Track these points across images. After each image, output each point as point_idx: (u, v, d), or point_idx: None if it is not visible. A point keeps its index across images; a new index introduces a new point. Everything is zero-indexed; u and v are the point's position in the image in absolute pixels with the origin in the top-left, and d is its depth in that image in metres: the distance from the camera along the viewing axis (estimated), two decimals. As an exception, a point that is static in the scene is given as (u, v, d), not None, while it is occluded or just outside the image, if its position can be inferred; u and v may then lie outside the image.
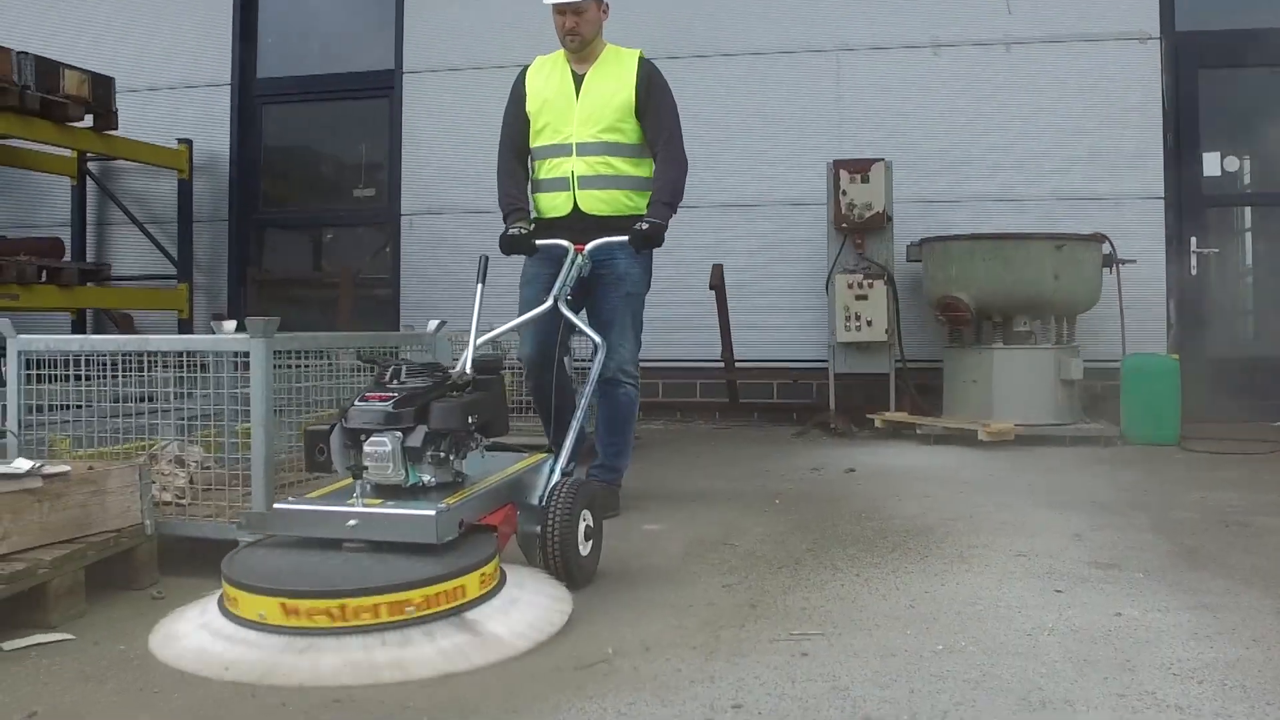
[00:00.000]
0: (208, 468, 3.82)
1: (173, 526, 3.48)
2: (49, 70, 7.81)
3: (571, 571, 3.21)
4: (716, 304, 7.71)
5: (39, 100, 7.69)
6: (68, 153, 9.00)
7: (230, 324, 4.25)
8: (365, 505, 2.89)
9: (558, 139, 4.52)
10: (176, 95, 9.58)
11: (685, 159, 4.54)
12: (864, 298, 7.50)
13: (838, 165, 7.58)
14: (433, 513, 2.80)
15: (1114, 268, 7.18)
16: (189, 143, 9.27)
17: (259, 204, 9.69)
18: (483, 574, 2.80)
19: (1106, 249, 7.17)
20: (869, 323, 7.47)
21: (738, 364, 7.97)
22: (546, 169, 4.57)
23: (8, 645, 2.75)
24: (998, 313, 7.10)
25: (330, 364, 4.37)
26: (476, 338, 3.63)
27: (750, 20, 8.44)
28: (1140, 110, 7.82)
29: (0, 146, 8.62)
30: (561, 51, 4.63)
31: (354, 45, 9.49)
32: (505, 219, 4.46)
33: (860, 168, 7.55)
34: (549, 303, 4.03)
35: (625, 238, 4.25)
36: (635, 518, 4.47)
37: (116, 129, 8.52)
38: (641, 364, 7.11)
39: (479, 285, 3.93)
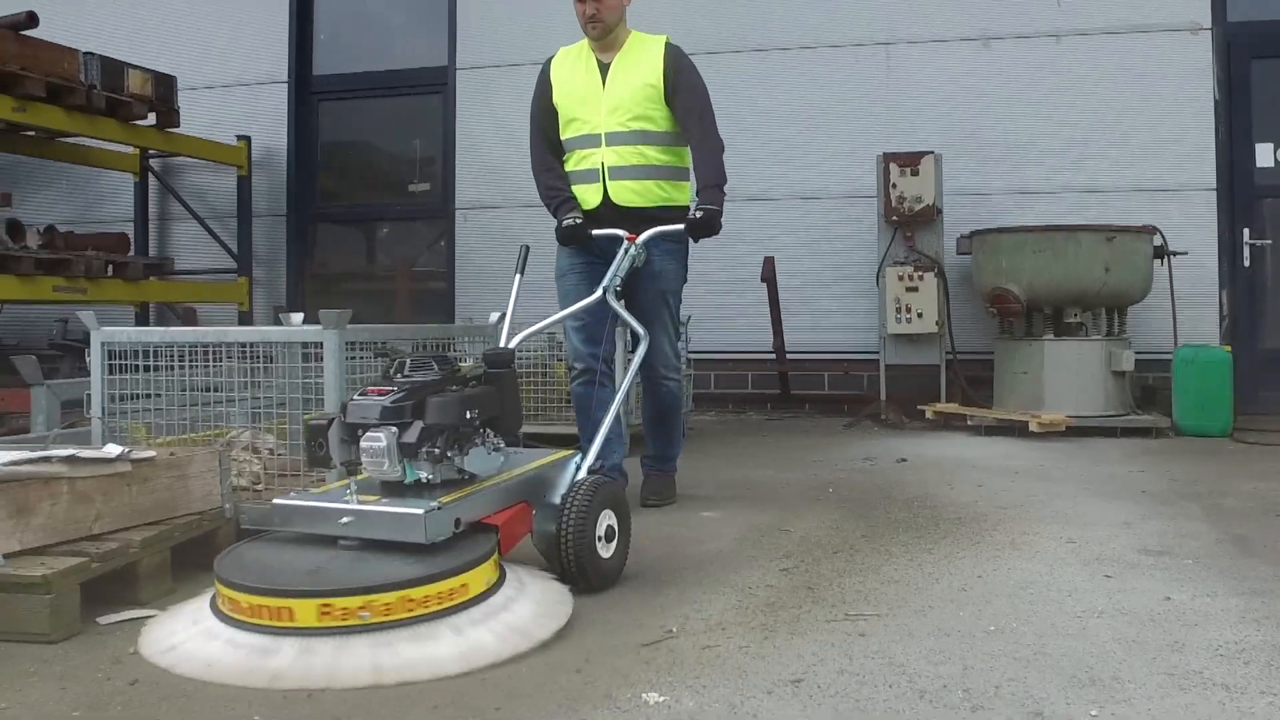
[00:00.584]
0: (280, 454, 3.97)
1: (249, 511, 3.60)
2: (114, 70, 8.03)
3: (587, 573, 3.09)
4: (768, 296, 7.80)
5: (104, 99, 7.91)
6: (131, 150, 9.24)
7: (298, 316, 4.39)
8: (360, 502, 2.83)
9: (586, 130, 4.42)
10: (236, 93, 9.79)
11: (721, 140, 4.42)
12: (914, 290, 7.56)
13: (888, 158, 7.64)
14: (420, 512, 2.72)
15: (1165, 259, 7.19)
16: (248, 139, 9.47)
17: (316, 199, 9.88)
18: (468, 579, 2.68)
19: (1157, 241, 7.19)
20: (919, 314, 7.54)
21: (789, 356, 8.05)
22: (575, 160, 4.47)
23: (103, 620, 2.90)
24: (1048, 305, 7.14)
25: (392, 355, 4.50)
26: (516, 330, 3.63)
27: (801, 14, 8.50)
28: (1192, 101, 7.81)
29: (68, 144, 8.88)
30: (585, 41, 4.52)
31: (408, 42, 9.65)
32: (555, 212, 4.42)
33: (910, 161, 7.61)
34: (598, 293, 3.96)
35: (680, 226, 4.19)
36: (692, 505, 4.57)
37: (178, 126, 8.74)
38: (694, 355, 7.30)
39: (517, 276, 3.96)
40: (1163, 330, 7.30)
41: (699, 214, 4.18)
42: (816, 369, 8.32)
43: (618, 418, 4.17)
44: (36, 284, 7.32)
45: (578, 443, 4.49)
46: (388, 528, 2.75)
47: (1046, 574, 3.34)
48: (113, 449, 3.13)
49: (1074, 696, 2.28)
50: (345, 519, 2.78)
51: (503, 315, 4.57)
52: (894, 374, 7.74)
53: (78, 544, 2.97)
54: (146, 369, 4.05)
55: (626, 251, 4.05)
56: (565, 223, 4.34)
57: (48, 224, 7.75)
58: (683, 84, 4.38)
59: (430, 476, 2.91)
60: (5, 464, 2.84)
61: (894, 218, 7.62)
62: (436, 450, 2.89)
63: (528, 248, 4.03)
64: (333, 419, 2.93)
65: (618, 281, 4.00)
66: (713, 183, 4.29)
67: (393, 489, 2.90)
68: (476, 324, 5.39)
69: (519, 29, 8.92)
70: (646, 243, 4.15)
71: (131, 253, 8.99)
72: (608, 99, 4.39)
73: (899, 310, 7.58)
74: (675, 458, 4.75)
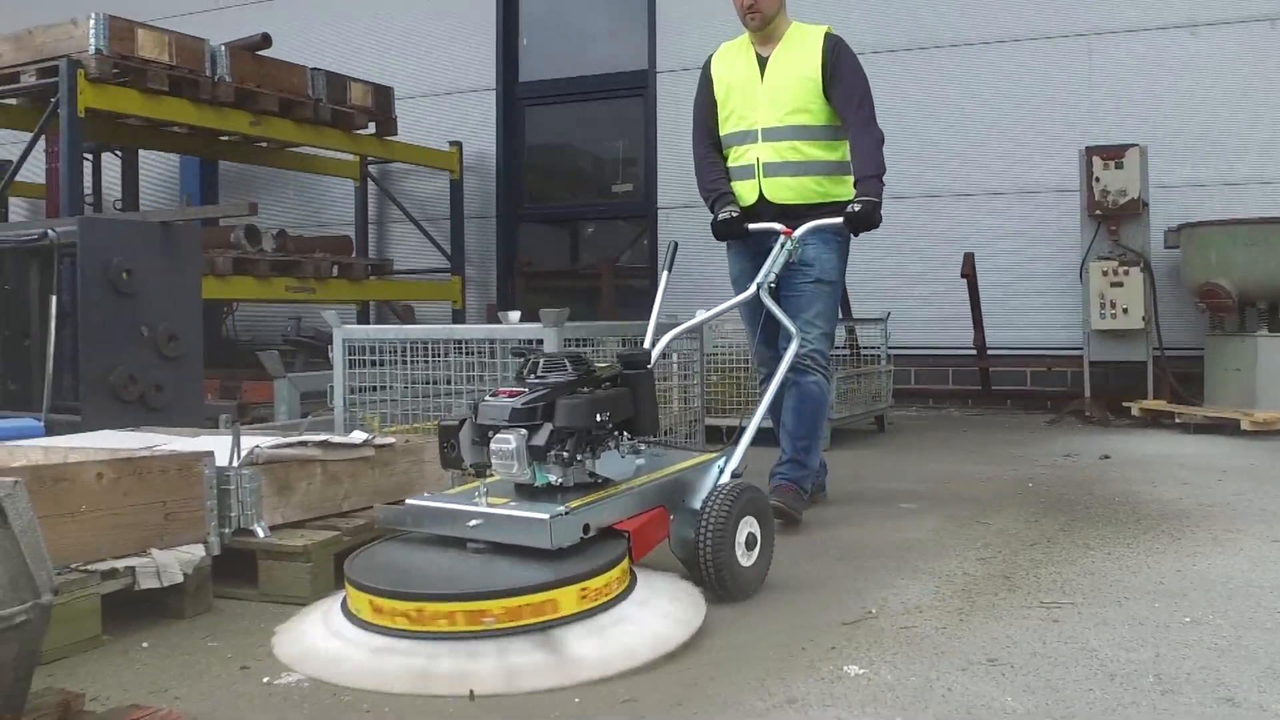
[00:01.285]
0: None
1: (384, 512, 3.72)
2: (338, 84, 8.61)
3: (726, 582, 2.98)
4: (968, 292, 7.80)
5: (330, 111, 8.50)
6: (352, 157, 9.85)
7: (515, 315, 4.69)
8: (490, 505, 2.78)
9: (743, 125, 4.29)
10: (448, 101, 10.32)
11: (881, 132, 4.18)
12: (1119, 285, 7.45)
13: (1090, 152, 7.54)
14: (546, 516, 2.65)
15: (1389, 251, 6.90)
16: (459, 145, 9.95)
17: (523, 200, 10.31)
18: (586, 587, 2.59)
19: (1380, 232, 6.90)
20: (1124, 310, 7.42)
21: (990, 352, 8.03)
22: (733, 157, 4.35)
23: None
24: (1262, 299, 6.95)
25: (595, 350, 4.76)
26: (663, 328, 3.61)
27: (1001, 8, 8.45)
28: None
29: (296, 153, 9.53)
30: (746, 35, 4.39)
31: (609, 47, 9.97)
32: (712, 207, 4.30)
33: (1114, 154, 7.50)
34: (751, 290, 3.86)
35: (839, 219, 3.99)
36: (891, 496, 4.69)
37: (395, 135, 9.29)
38: (894, 351, 7.36)
39: (664, 273, 3.90)
40: (1387, 325, 7.01)
41: (857, 206, 3.97)
42: (1018, 365, 8.27)
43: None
44: (271, 284, 7.91)
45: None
46: (514, 531, 2.70)
47: (1248, 571, 3.35)
48: (359, 435, 3.47)
49: (1268, 686, 2.33)
50: (473, 521, 2.75)
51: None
52: (1098, 370, 7.64)
53: (329, 519, 3.31)
54: (375, 363, 4.40)
55: (783, 246, 3.93)
56: (721, 216, 4.23)
57: (280, 228, 8.33)
58: (841, 74, 4.18)
59: (561, 480, 2.85)
60: (270, 448, 3.20)
61: (1097, 212, 7.52)
62: (566, 453, 2.82)
63: (676, 244, 3.99)
64: (464, 420, 2.91)
65: (772, 278, 3.90)
66: (870, 173, 4.07)
67: (524, 492, 2.87)
68: (680, 320, 5.59)
69: (717, 31, 9.05)
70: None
71: (353, 254, 9.57)
72: (765, 93, 4.26)
73: (1103, 306, 7.48)
74: (812, 469, 4.27)
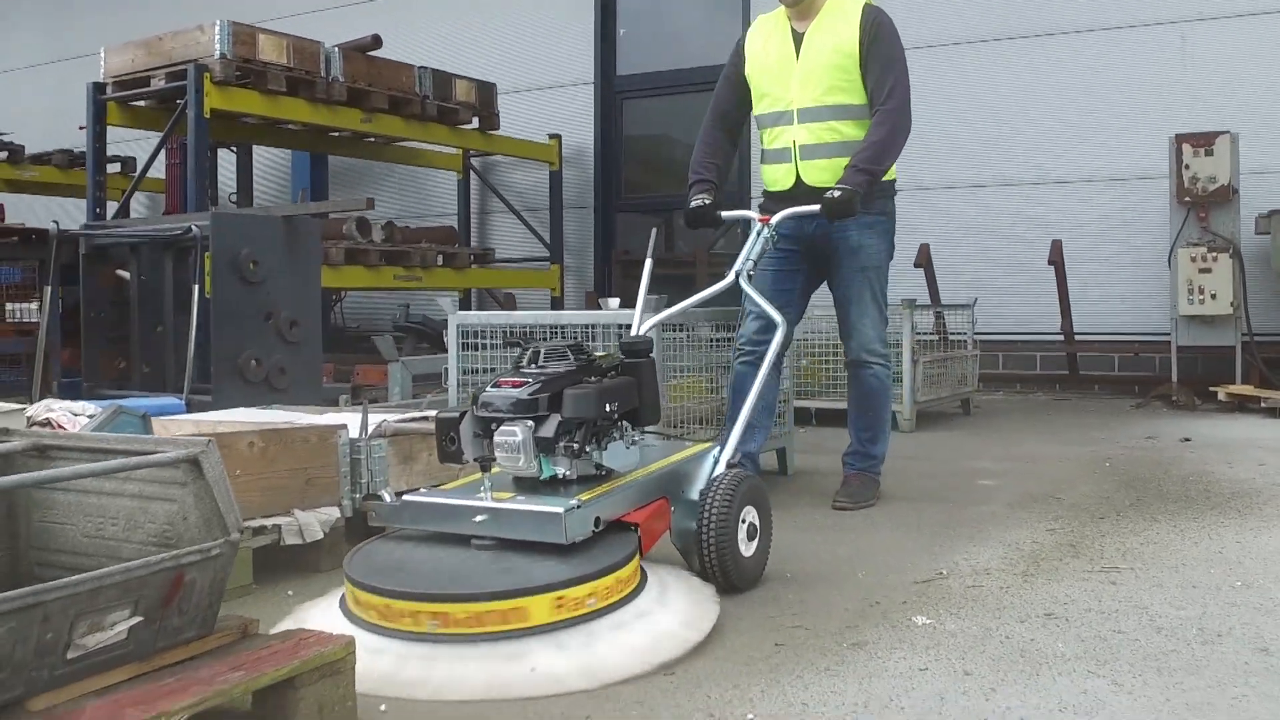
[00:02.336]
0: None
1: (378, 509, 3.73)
2: (443, 81, 9.00)
3: (729, 573, 2.92)
4: (1055, 279, 7.93)
5: (435, 107, 8.89)
6: (456, 151, 10.25)
7: (614, 301, 4.98)
8: (495, 500, 2.68)
9: (778, 106, 4.13)
10: (548, 95, 10.67)
11: (906, 121, 3.98)
12: (1207, 271, 7.52)
13: (1179, 139, 7.62)
14: (561, 510, 2.55)
15: None
16: (559, 137, 10.31)
17: (620, 191, 10.64)
18: (618, 577, 2.57)
19: None
20: (1213, 296, 7.49)
21: (1078, 337, 8.16)
22: (769, 139, 4.20)
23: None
24: (1351, 284, 6.99)
25: (689, 335, 5.03)
26: (647, 314, 3.58)
27: (1089, -2, 8.55)
28: None
29: (403, 148, 9.97)
30: (782, 9, 4.16)
31: (703, 41, 10.21)
32: (689, 192, 4.16)
33: (1204, 141, 7.56)
34: (729, 278, 3.70)
35: (816, 207, 3.81)
36: (971, 474, 4.92)
37: (497, 129, 9.67)
38: (981, 337, 7.52)
39: (648, 260, 3.83)
40: None
41: (835, 193, 3.79)
42: (1105, 350, 8.38)
43: (767, 406, 4.17)
44: (380, 273, 8.32)
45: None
46: (525, 527, 2.60)
47: (1309, 542, 3.53)
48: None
49: (1304, 639, 2.55)
50: (479, 517, 2.64)
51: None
52: (1186, 356, 7.72)
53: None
54: (482, 347, 4.73)
55: (759, 234, 3.76)
56: (693, 204, 4.07)
57: (388, 220, 8.75)
58: (878, 52, 3.98)
59: (567, 472, 2.77)
60: (395, 422, 3.55)
61: (1186, 199, 7.60)
62: (575, 444, 2.74)
63: (656, 230, 3.98)
64: (464, 412, 2.81)
65: (750, 265, 3.72)
66: (863, 165, 3.87)
67: (527, 485, 2.78)
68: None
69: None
70: (843, 218, 3.86)
71: (457, 244, 9.97)
72: (800, 70, 4.07)
73: (1191, 291, 7.56)
74: (880, 457, 4.31)
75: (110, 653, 1.79)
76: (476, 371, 4.69)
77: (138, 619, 1.80)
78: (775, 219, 3.80)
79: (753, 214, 3.95)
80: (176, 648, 1.91)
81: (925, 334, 7.00)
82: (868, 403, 4.24)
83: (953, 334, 7.51)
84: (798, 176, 4.10)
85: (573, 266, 10.46)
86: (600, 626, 2.47)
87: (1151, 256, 8.17)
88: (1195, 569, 3.21)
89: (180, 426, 3.67)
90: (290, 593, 3.06)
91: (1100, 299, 8.38)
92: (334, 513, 3.28)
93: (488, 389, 2.79)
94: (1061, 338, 8.18)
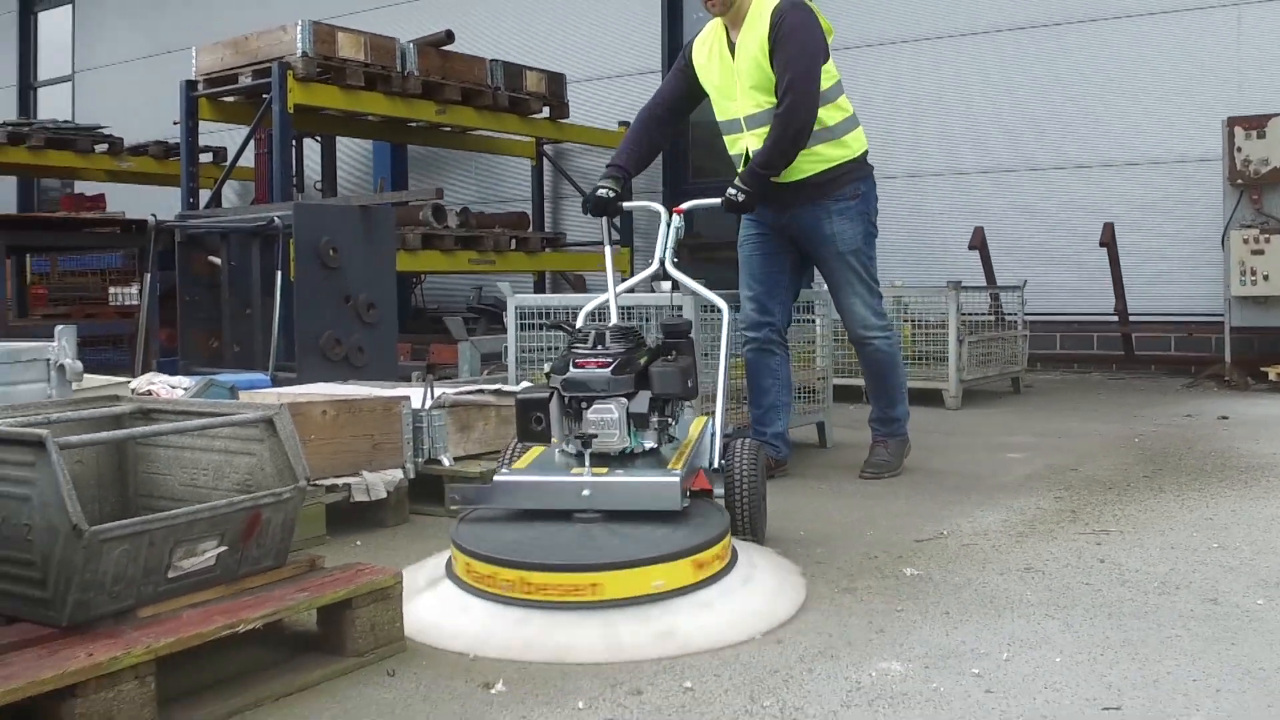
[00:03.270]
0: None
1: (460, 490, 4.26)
2: (514, 73, 9.41)
3: (758, 530, 3.20)
4: (1109, 260, 8.11)
5: (507, 98, 9.31)
6: (528, 139, 10.65)
7: (667, 284, 5.31)
8: (594, 475, 2.79)
9: (727, 115, 4.27)
10: (616, 83, 11.03)
11: (806, 109, 3.99)
12: (1260, 252, 7.64)
13: (1232, 122, 7.73)
14: (676, 479, 2.75)
15: None
16: (627, 125, 10.62)
17: (688, 176, 10.95)
18: (727, 543, 2.78)
19: None
20: (1265, 277, 7.61)
21: (1132, 318, 8.33)
22: (729, 145, 4.36)
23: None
24: (1400, 266, 7.08)
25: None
26: (611, 299, 3.70)
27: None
28: None
29: (477, 137, 10.40)
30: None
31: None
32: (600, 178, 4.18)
33: (1257, 123, 7.68)
34: (654, 267, 3.78)
35: (719, 201, 4.02)
36: (1001, 448, 5.19)
37: (567, 117, 10.06)
38: (1036, 318, 7.75)
39: (606, 247, 3.95)
40: None
41: (731, 191, 4.02)
42: (1160, 331, 8.54)
43: (781, 383, 4.40)
44: (455, 258, 8.75)
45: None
46: (639, 497, 2.74)
47: (1300, 511, 3.76)
48: (526, 386, 4.18)
49: (1252, 593, 2.82)
50: (586, 492, 2.75)
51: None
52: (1241, 336, 7.85)
53: (499, 455, 4.02)
54: (543, 328, 5.11)
55: (669, 225, 3.81)
56: (599, 193, 4.07)
57: (462, 206, 9.18)
58: (780, 53, 4.00)
59: (654, 445, 2.97)
60: (454, 394, 3.94)
61: (1239, 181, 7.72)
62: (667, 419, 2.99)
63: (605, 217, 4.11)
64: (553, 392, 2.91)
65: (670, 255, 3.78)
66: (761, 164, 4.01)
67: (604, 460, 2.88)
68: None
69: (871, 10, 9.57)
70: (816, 207, 4.16)
71: (530, 228, 10.38)
72: (738, 80, 4.16)
73: (1244, 273, 7.69)
74: (900, 420, 4.55)
75: (202, 575, 2.20)
76: (539, 350, 5.07)
77: (224, 548, 2.20)
78: (685, 206, 3.91)
79: (655, 205, 4.02)
80: (256, 574, 2.32)
81: (976, 315, 7.25)
82: (878, 372, 4.50)
83: (1006, 314, 7.73)
84: None
85: (642, 249, 10.81)
86: (711, 593, 2.61)
87: (1206, 238, 8.30)
88: (1180, 532, 3.47)
89: (265, 398, 4.09)
90: (358, 543, 3.47)
91: (1155, 280, 8.54)
92: (397, 474, 3.68)
93: (571, 370, 2.90)
94: (1116, 318, 8.36)
